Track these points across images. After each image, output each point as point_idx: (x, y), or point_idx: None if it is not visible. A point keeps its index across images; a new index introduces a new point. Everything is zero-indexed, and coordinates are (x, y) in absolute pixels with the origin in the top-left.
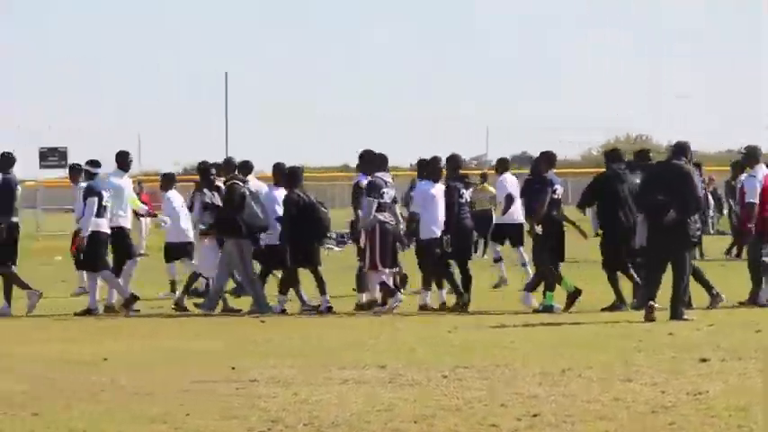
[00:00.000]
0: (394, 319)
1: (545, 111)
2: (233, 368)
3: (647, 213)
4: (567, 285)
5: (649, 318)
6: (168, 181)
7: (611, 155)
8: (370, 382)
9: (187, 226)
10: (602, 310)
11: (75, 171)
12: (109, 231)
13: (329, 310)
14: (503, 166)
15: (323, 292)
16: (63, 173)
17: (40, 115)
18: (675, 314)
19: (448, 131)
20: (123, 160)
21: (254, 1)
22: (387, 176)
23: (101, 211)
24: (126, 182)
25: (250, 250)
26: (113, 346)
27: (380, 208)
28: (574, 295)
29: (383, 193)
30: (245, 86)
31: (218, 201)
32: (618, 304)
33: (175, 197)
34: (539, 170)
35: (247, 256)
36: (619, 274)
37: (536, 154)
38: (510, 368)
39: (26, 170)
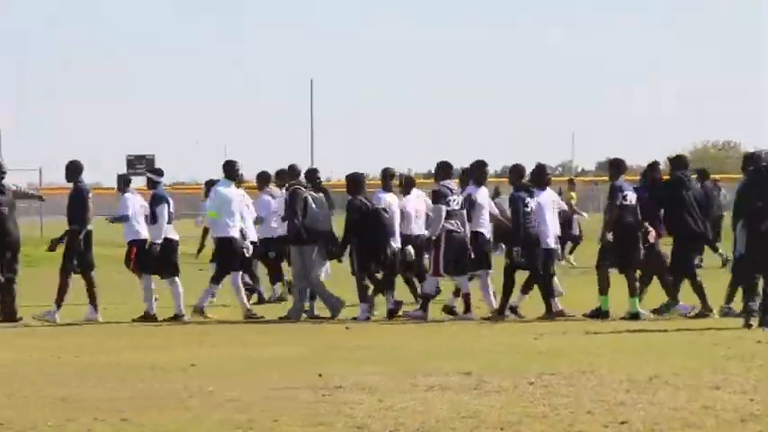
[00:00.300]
0: (479, 326)
1: (631, 116)
2: (319, 375)
3: (746, 220)
4: (605, 301)
5: (747, 325)
6: (263, 181)
7: (676, 161)
8: (456, 389)
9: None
10: (653, 311)
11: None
12: (177, 238)
13: (368, 319)
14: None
15: (388, 291)
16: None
17: (127, 123)
18: (765, 321)
19: (533, 138)
20: (231, 169)
21: (339, 7)
22: (452, 184)
23: (170, 219)
24: (234, 191)
25: (311, 256)
26: (201, 353)
27: (448, 216)
28: (598, 312)
29: (449, 200)
30: (330, 93)
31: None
32: (670, 303)
33: (268, 197)
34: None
35: (308, 261)
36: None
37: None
38: (596, 375)
39: (114, 178)
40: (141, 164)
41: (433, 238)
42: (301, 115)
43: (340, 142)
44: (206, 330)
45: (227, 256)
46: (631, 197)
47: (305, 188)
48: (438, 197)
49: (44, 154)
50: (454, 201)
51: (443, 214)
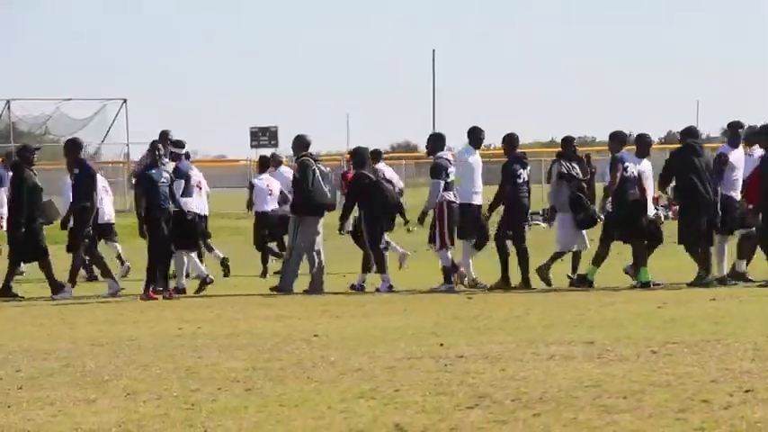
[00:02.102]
0: (601, 294)
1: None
2: (441, 344)
3: None
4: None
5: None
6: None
7: (687, 131)
8: (578, 358)
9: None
10: (689, 285)
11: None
12: (199, 212)
13: (390, 289)
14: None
15: (366, 270)
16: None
17: (251, 95)
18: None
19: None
20: (477, 137)
21: None
22: (449, 155)
23: (190, 193)
24: (477, 159)
25: (311, 227)
26: (324, 324)
27: (446, 187)
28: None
29: (450, 172)
30: (452, 63)
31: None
32: (702, 275)
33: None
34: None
35: (307, 231)
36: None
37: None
38: (721, 343)
39: (239, 149)
40: (265, 136)
41: (431, 211)
42: (423, 86)
43: (461, 113)
44: (328, 301)
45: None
46: (632, 169)
47: (314, 161)
48: (438, 171)
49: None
50: (452, 173)
51: (441, 188)
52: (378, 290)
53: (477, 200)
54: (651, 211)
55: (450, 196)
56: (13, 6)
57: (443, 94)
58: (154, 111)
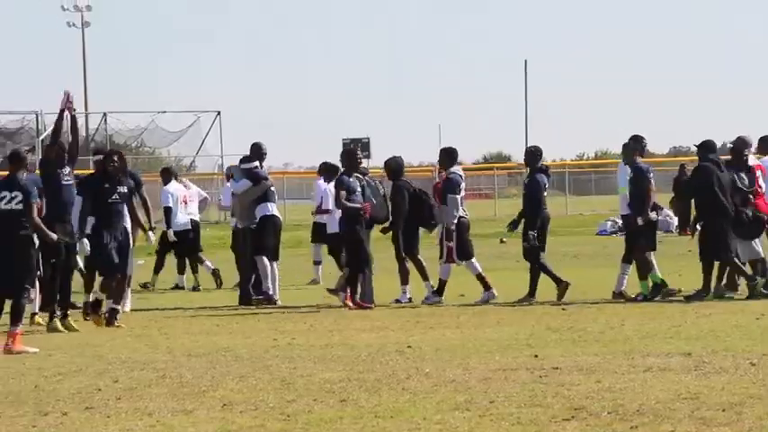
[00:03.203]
0: (699, 306)
1: None
2: (536, 356)
3: None
4: (654, 277)
5: None
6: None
7: (706, 146)
8: (675, 370)
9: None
10: (686, 298)
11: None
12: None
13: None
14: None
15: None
16: (366, 163)
17: (343, 106)
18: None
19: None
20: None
21: None
22: (461, 170)
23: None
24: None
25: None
26: (417, 335)
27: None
28: (658, 288)
29: (462, 188)
30: (544, 74)
31: None
32: (701, 293)
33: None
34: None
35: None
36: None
37: None
38: None
39: (331, 161)
40: (356, 147)
41: (452, 227)
42: (516, 96)
43: (554, 123)
44: (421, 312)
45: None
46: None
47: (363, 174)
48: (452, 186)
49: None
50: (463, 189)
51: (458, 202)
52: (398, 300)
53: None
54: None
55: (461, 212)
56: (105, 23)
57: (536, 104)
58: (247, 123)
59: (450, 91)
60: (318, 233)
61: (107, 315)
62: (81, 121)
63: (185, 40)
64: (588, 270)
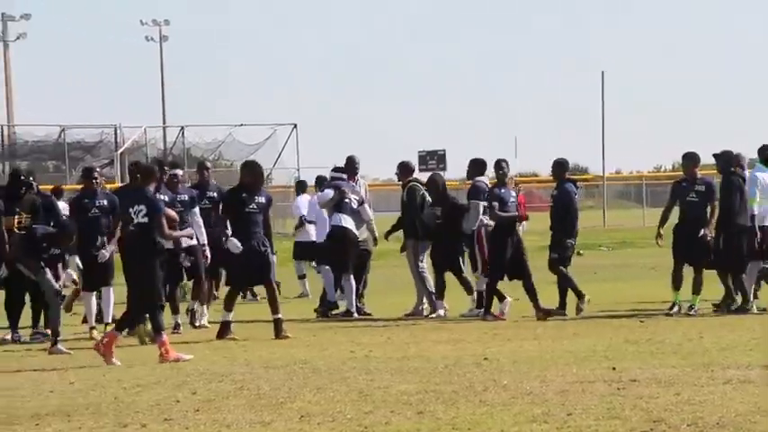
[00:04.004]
0: None
1: None
2: (613, 368)
3: None
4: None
5: None
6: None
7: (726, 157)
8: (755, 382)
9: None
10: (715, 309)
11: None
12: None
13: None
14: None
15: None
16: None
17: (419, 119)
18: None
19: None
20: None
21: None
22: (486, 180)
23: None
24: None
25: (425, 250)
26: (494, 347)
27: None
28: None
29: (485, 196)
30: (621, 85)
31: None
32: (729, 303)
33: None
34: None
35: (421, 254)
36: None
37: None
38: None
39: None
40: (433, 159)
41: (473, 230)
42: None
43: (631, 135)
44: (497, 325)
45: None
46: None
47: (421, 185)
48: (477, 192)
49: (340, 152)
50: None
51: (481, 209)
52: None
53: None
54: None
55: (486, 220)
56: (182, 37)
57: (613, 116)
58: (324, 135)
59: (527, 103)
60: (299, 249)
61: (220, 327)
62: (158, 135)
63: (262, 54)
64: (666, 281)
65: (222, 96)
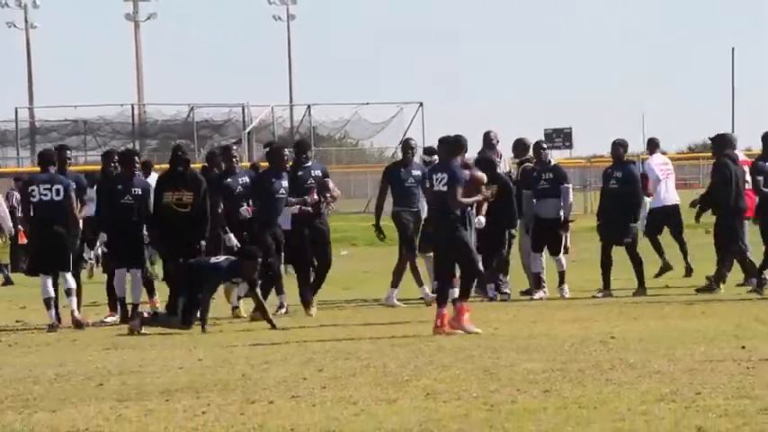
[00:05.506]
0: None
1: None
2: (743, 347)
3: None
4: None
5: None
6: None
7: (722, 140)
8: None
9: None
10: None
11: None
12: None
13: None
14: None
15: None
16: (568, 154)
17: (545, 96)
18: None
19: None
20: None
21: None
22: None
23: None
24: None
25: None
26: (621, 326)
27: None
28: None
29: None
30: (753, 62)
31: None
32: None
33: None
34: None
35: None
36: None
37: None
38: None
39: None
40: (559, 137)
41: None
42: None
43: (761, 112)
44: (624, 303)
45: None
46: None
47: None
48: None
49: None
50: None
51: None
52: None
53: None
54: None
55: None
56: (310, 15)
57: (743, 93)
58: (449, 114)
59: (654, 79)
60: None
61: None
62: (285, 113)
63: (388, 33)
64: None
65: (349, 75)
